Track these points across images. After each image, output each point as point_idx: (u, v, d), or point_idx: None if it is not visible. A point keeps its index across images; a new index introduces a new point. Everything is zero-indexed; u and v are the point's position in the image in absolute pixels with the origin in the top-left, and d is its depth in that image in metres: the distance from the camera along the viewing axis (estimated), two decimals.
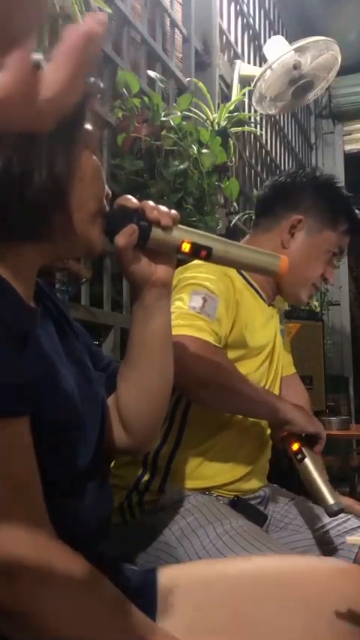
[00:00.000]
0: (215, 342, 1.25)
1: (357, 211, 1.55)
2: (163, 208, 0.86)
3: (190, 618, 0.82)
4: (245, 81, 2.72)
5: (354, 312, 4.65)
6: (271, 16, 3.61)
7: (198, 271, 1.33)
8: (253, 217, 1.71)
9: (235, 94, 2.63)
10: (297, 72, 2.64)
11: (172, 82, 2.28)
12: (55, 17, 1.40)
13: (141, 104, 1.84)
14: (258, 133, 3.28)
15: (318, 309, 3.79)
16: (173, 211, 0.87)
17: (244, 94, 2.65)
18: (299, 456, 1.32)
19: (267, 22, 3.53)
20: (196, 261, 1.34)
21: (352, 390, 4.24)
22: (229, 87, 2.71)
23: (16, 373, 0.67)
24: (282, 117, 3.78)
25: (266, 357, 1.47)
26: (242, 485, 1.39)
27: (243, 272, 1.46)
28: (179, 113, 1.91)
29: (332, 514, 1.28)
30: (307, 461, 1.31)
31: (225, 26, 2.83)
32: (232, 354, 1.35)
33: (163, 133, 1.81)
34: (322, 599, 0.83)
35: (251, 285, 1.47)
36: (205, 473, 1.34)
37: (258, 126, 3.27)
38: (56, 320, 0.87)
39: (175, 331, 1.20)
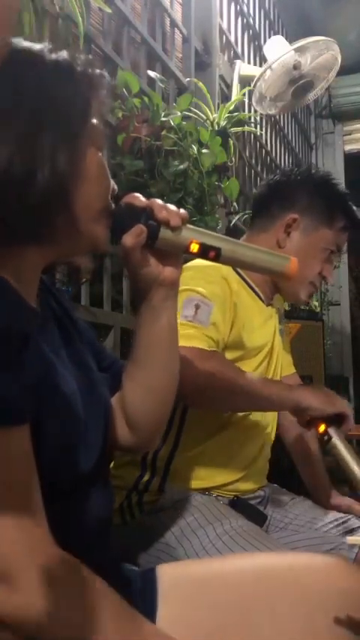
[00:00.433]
0: (210, 347, 1.24)
1: (354, 208, 1.54)
2: (172, 207, 0.85)
3: (191, 620, 0.81)
4: (245, 81, 2.72)
5: (354, 312, 4.65)
6: (271, 16, 3.60)
7: (192, 275, 1.32)
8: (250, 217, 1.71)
9: (235, 94, 2.62)
10: (297, 72, 2.63)
11: (172, 82, 2.28)
12: (55, 17, 1.40)
13: (141, 104, 1.84)
14: (258, 133, 3.28)
15: (318, 309, 3.79)
16: (182, 211, 0.85)
17: (244, 94, 2.65)
18: (326, 438, 1.28)
19: (267, 22, 3.53)
20: (192, 263, 1.33)
21: (352, 390, 4.24)
22: (229, 87, 2.71)
23: (16, 380, 0.66)
24: (282, 117, 3.78)
25: (265, 357, 1.47)
26: (242, 486, 1.39)
27: (240, 272, 1.45)
28: (179, 113, 1.91)
29: None
30: (335, 441, 1.26)
31: (225, 26, 2.83)
32: (230, 355, 1.35)
33: (163, 133, 1.81)
34: (320, 595, 0.83)
35: (249, 285, 1.47)
36: (204, 473, 1.34)
37: (258, 126, 3.26)
38: (60, 320, 0.86)
39: None
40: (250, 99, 2.77)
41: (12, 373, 0.66)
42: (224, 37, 2.81)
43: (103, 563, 0.80)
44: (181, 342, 1.20)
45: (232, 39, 2.93)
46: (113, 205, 0.82)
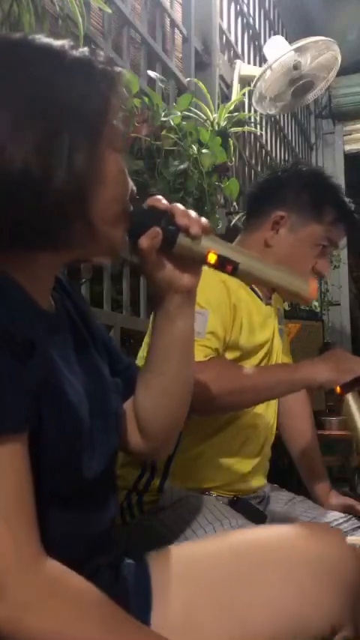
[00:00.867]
0: (206, 356, 1.24)
1: (346, 199, 1.50)
2: (194, 215, 0.82)
3: (184, 615, 0.82)
4: (245, 81, 2.72)
5: (354, 312, 4.64)
6: (271, 16, 3.60)
7: None
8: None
9: (235, 94, 2.62)
10: (297, 72, 2.63)
11: (172, 82, 2.28)
12: (55, 17, 1.40)
13: (141, 104, 1.84)
14: (258, 133, 3.28)
15: (318, 309, 3.79)
16: (204, 220, 0.83)
17: (244, 94, 2.65)
18: (340, 399, 1.27)
19: (267, 22, 3.53)
20: None
21: None
22: (229, 87, 2.71)
23: (16, 389, 0.64)
24: (282, 117, 3.78)
25: (265, 356, 1.47)
26: (242, 485, 1.39)
27: None
28: (179, 113, 1.91)
29: None
30: (347, 398, 1.26)
31: (225, 26, 2.83)
32: (230, 355, 1.35)
33: (163, 133, 1.81)
34: (308, 561, 0.85)
35: (247, 284, 1.46)
36: (204, 473, 1.34)
37: (258, 126, 3.26)
38: (74, 323, 0.84)
39: None
40: (250, 99, 2.77)
41: (8, 381, 0.64)
42: (224, 37, 2.81)
43: (104, 565, 0.80)
44: None
45: (232, 39, 2.93)
46: (131, 207, 0.80)
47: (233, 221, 2.55)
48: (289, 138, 3.99)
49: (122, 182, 0.77)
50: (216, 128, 2.22)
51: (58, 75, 0.71)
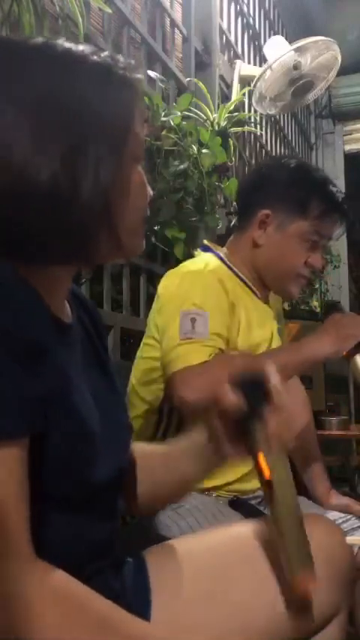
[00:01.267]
0: (210, 355, 1.24)
1: (333, 189, 1.46)
2: (284, 433, 0.81)
3: (182, 610, 0.82)
4: (245, 81, 2.72)
5: (354, 312, 4.65)
6: (271, 16, 3.61)
7: (183, 285, 1.32)
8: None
9: (235, 94, 2.62)
10: (297, 72, 2.64)
11: (172, 82, 2.28)
12: (55, 17, 1.40)
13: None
14: (258, 133, 3.28)
15: (318, 309, 3.79)
16: (289, 440, 0.81)
17: (244, 94, 2.65)
18: (348, 360, 1.30)
19: (267, 22, 3.53)
20: (181, 269, 1.37)
21: (351, 390, 4.23)
22: (229, 87, 2.71)
23: (17, 394, 0.63)
24: (282, 117, 3.78)
25: None
26: (242, 486, 1.39)
27: (235, 269, 1.45)
28: (179, 113, 1.91)
29: None
30: (356, 358, 1.29)
31: (225, 26, 2.83)
32: None
33: (163, 133, 1.81)
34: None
35: (244, 283, 1.46)
36: None
37: (258, 126, 3.26)
38: (88, 334, 0.84)
39: (171, 367, 1.23)
40: (250, 99, 2.77)
41: (13, 389, 0.63)
42: (224, 37, 2.81)
43: (106, 566, 0.80)
44: (178, 365, 1.21)
45: (232, 39, 2.93)
46: (148, 212, 0.79)
47: (233, 221, 2.55)
48: (289, 138, 3.99)
49: (144, 191, 0.76)
50: (216, 128, 2.22)
51: (81, 84, 0.68)
